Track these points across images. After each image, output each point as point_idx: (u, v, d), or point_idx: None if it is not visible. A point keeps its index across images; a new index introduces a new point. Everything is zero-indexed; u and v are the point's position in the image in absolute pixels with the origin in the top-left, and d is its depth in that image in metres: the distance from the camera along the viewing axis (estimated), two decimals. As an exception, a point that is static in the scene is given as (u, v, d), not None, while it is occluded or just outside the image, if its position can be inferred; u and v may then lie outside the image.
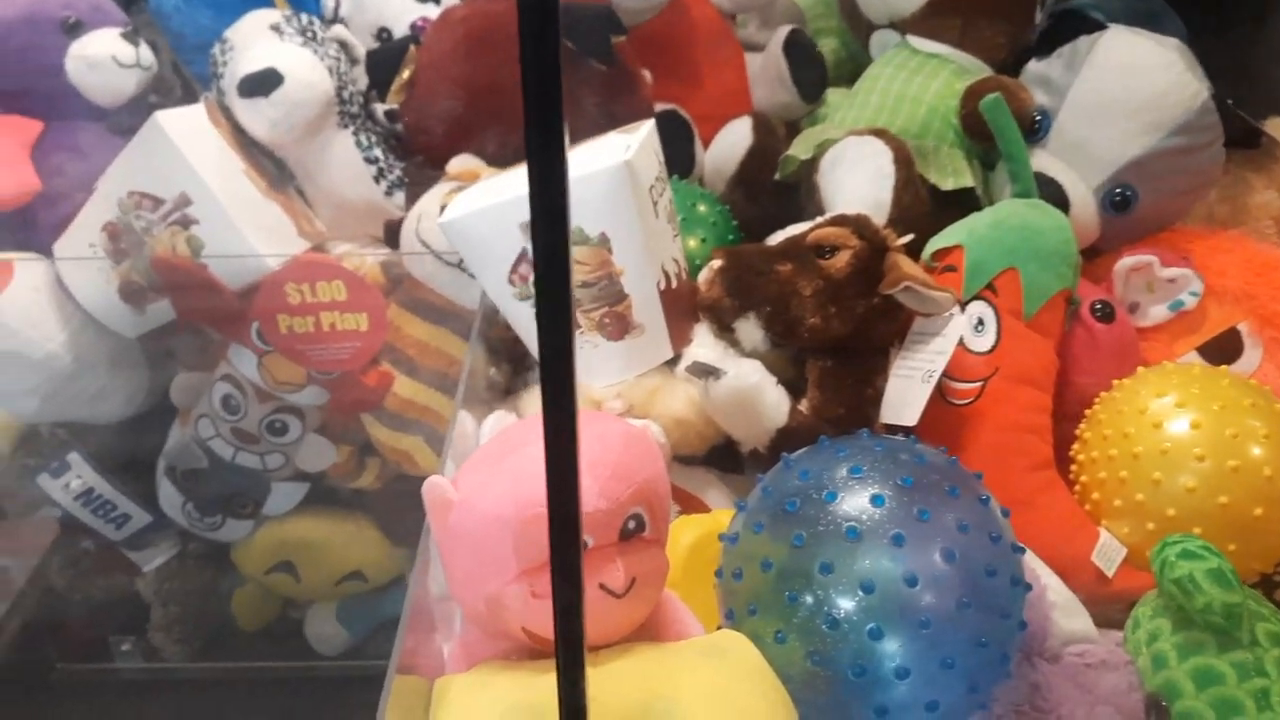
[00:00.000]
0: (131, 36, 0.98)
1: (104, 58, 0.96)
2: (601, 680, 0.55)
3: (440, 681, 0.60)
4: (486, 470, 0.58)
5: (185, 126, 0.90)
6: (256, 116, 0.92)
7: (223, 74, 0.94)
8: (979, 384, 0.81)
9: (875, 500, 0.57)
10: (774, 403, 0.79)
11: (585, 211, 0.77)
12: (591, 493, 0.56)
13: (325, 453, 1.01)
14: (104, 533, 1.03)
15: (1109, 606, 0.74)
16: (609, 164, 0.75)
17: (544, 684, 0.56)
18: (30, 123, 0.96)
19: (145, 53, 0.99)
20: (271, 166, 0.97)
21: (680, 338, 0.83)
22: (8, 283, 0.92)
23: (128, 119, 1.02)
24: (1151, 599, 0.68)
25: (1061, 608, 0.67)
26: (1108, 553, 0.76)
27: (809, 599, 0.57)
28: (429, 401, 0.97)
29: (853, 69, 1.17)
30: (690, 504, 0.82)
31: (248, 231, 0.89)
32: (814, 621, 0.56)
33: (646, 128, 0.83)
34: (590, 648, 0.58)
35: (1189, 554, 0.62)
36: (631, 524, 0.57)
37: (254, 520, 1.04)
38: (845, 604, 0.56)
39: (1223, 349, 0.90)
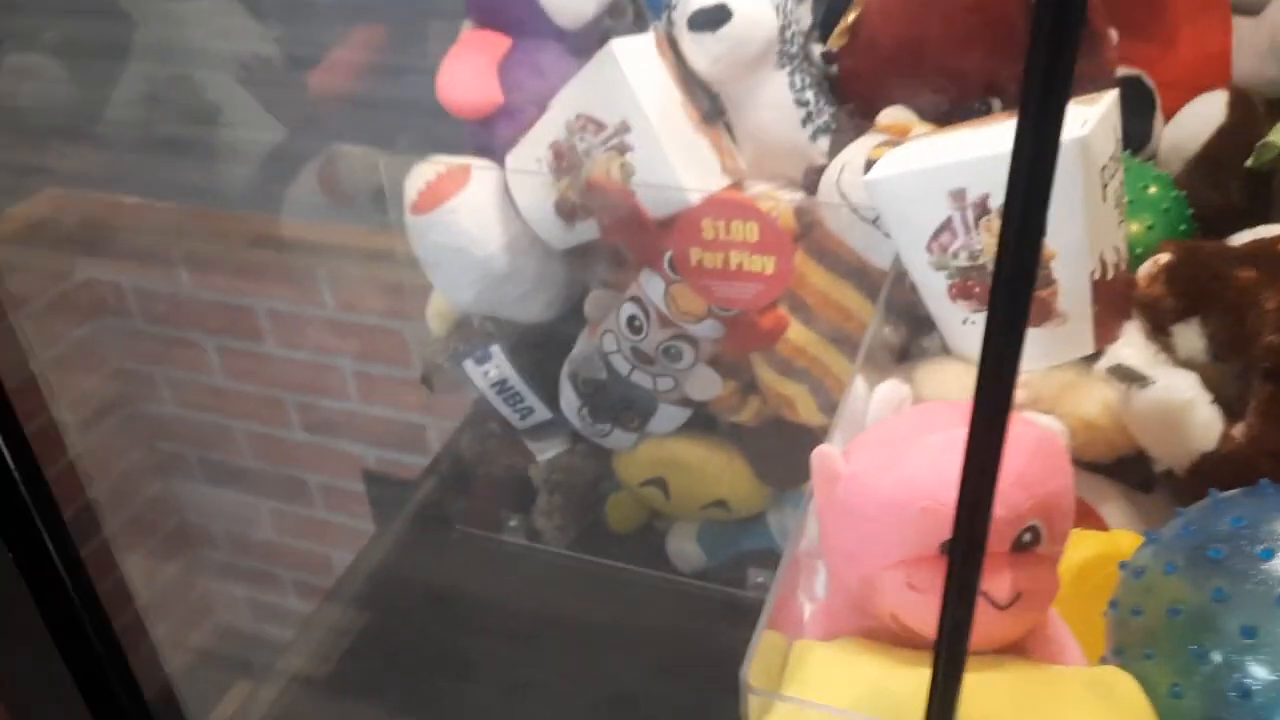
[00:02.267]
0: (595, -40, 1.03)
1: (568, -19, 1.01)
2: (971, 688, 0.53)
3: (800, 644, 0.60)
4: (883, 451, 0.57)
5: (635, 56, 0.93)
6: (701, 50, 0.94)
7: (675, 4, 0.97)
8: None
9: (1325, 569, 0.50)
10: (1204, 423, 0.71)
11: (1024, 186, 0.71)
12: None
13: (712, 384, 1.04)
14: (510, 419, 1.14)
15: None
16: (1061, 138, 0.69)
17: (908, 675, 0.55)
18: (501, 39, 1.05)
19: (607, -24, 1.03)
20: (706, 100, 1.00)
21: (1106, 334, 0.76)
22: (464, 185, 1.02)
23: (584, 41, 1.08)
24: None
25: None
26: None
27: (1219, 659, 0.51)
28: (819, 352, 0.97)
29: (1369, 44, 0.99)
30: (1084, 515, 0.76)
31: (676, 163, 0.92)
32: (1220, 685, 0.50)
33: (1108, 100, 0.75)
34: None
35: None
36: (1027, 536, 0.54)
37: (638, 434, 1.10)
38: (1264, 675, 0.50)
39: None
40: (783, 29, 0.96)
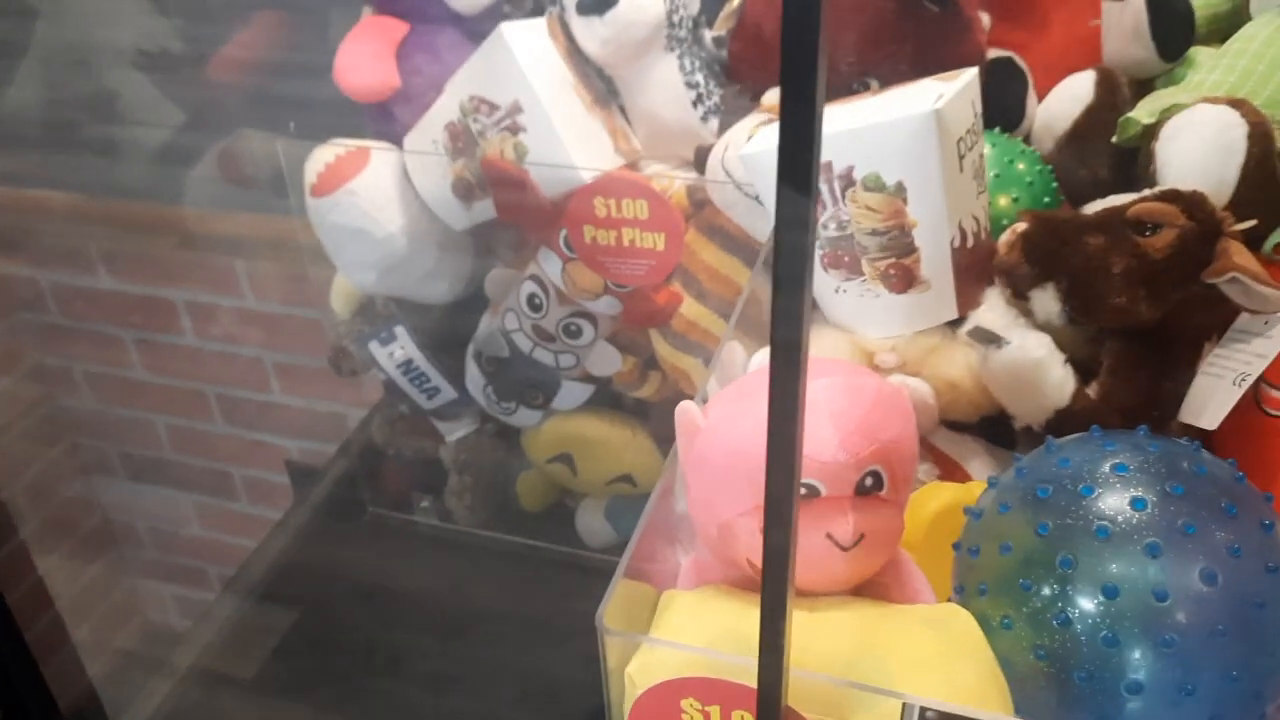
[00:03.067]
0: (492, -52, 1.05)
1: (465, -33, 1.03)
2: (815, 627, 0.56)
3: (667, 594, 0.63)
4: (736, 404, 0.60)
5: (526, 39, 0.96)
6: (590, 34, 0.97)
7: (566, -10, 0.99)
8: (1305, 396, 0.73)
9: (1136, 503, 0.54)
10: (1057, 382, 0.75)
11: (884, 158, 0.75)
12: (831, 443, 0.56)
13: (612, 359, 1.06)
14: (417, 401, 1.15)
15: None
16: (916, 111, 0.73)
17: (758, 617, 0.57)
18: (399, 24, 1.06)
19: (503, -37, 1.06)
20: (598, 83, 1.02)
21: (968, 299, 0.80)
22: (364, 167, 1.03)
23: (481, 26, 1.10)
24: None
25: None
26: None
27: (1045, 591, 0.55)
28: (711, 326, 1.00)
29: (1228, 27, 1.05)
30: (952, 471, 0.80)
31: (569, 143, 0.95)
32: (1046, 615, 0.54)
33: (966, 76, 0.79)
34: (810, 594, 0.60)
35: None
36: (869, 481, 0.57)
37: (543, 411, 1.12)
38: (1083, 604, 0.53)
39: None
40: (670, 13, 0.99)
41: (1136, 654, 0.52)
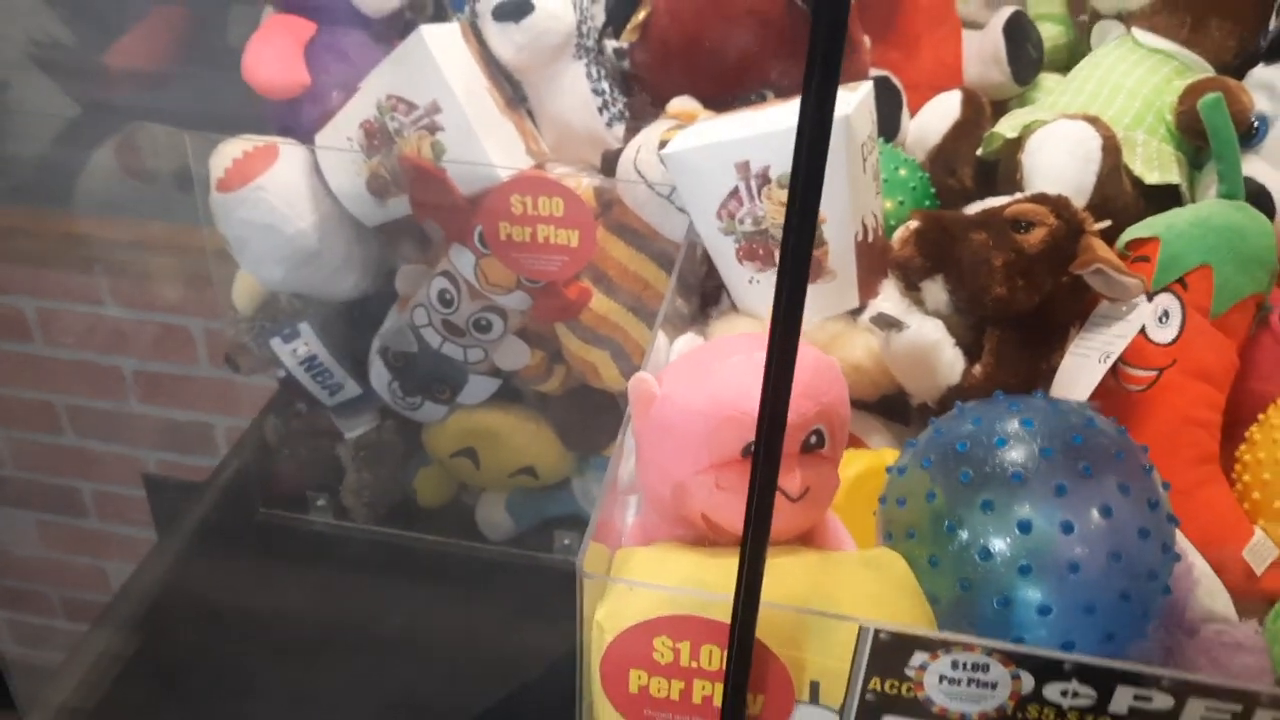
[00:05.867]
0: (402, -45, 1.08)
1: (376, -29, 1.06)
2: (769, 571, 0.62)
3: (622, 551, 0.68)
4: (692, 373, 0.65)
5: (443, 42, 0.99)
6: (505, 40, 1.01)
7: (479, -2, 1.03)
8: (1155, 373, 0.84)
9: (1044, 452, 0.62)
10: (949, 362, 0.84)
11: (799, 159, 0.82)
12: (781, 406, 0.62)
13: (521, 354, 1.10)
14: (318, 397, 1.16)
15: (1253, 603, 0.76)
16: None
17: (717, 565, 0.63)
18: (306, 23, 1.07)
19: (412, -30, 1.09)
20: (509, 88, 1.06)
21: (868, 290, 0.88)
22: (272, 163, 1.04)
23: (387, 30, 1.12)
24: (1299, 595, 0.70)
25: (1205, 587, 0.70)
26: (1260, 551, 0.78)
27: (966, 531, 0.62)
28: (620, 320, 1.05)
29: (1068, 57, 1.18)
30: (855, 444, 0.87)
31: (486, 143, 0.99)
32: (968, 552, 0.62)
33: (866, 88, 0.87)
34: (758, 544, 0.65)
35: None
36: (813, 439, 0.63)
37: (448, 406, 1.14)
38: (1000, 540, 0.61)
39: None
40: (580, 23, 1.04)
41: (1046, 579, 0.60)
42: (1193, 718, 0.54)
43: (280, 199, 1.03)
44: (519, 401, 1.17)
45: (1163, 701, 0.54)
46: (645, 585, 0.60)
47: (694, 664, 0.59)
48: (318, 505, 1.24)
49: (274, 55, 1.05)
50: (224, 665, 1.14)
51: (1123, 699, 0.54)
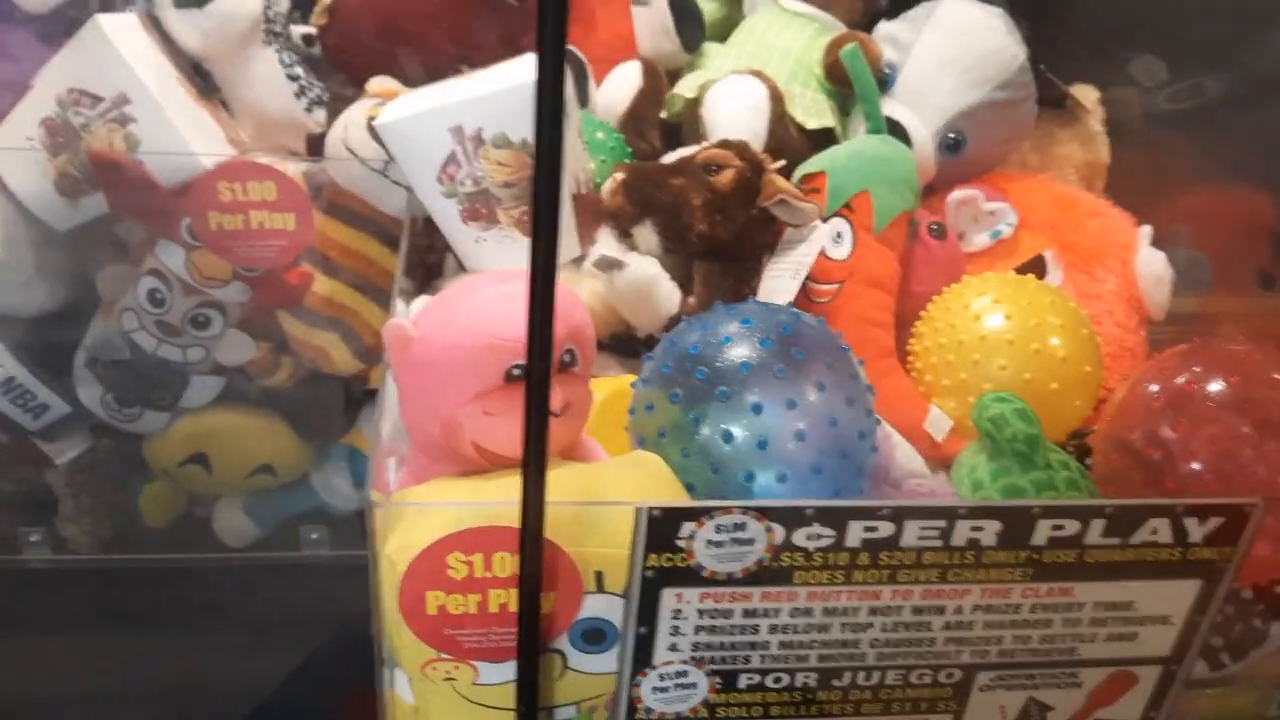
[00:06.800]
0: (60, -54, 1.03)
1: (35, -36, 1.00)
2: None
3: (400, 491, 0.70)
4: (444, 310, 0.69)
5: (123, 31, 0.96)
6: (189, 27, 0.99)
7: (155, -14, 1.00)
8: (836, 285, 0.96)
9: (763, 343, 0.71)
10: (668, 293, 0.92)
11: (509, 119, 0.88)
12: (534, 329, 0.67)
13: (245, 347, 1.08)
14: (21, 423, 1.07)
15: (938, 468, 0.91)
16: (533, 78, 0.87)
17: (494, 484, 0.67)
18: (-42, 22, 1.00)
19: (72, -38, 1.04)
20: (199, 79, 1.04)
21: (586, 239, 0.95)
22: (-63, 172, 0.96)
23: (51, 26, 1.06)
24: (972, 446, 0.84)
25: (903, 450, 0.83)
26: (938, 423, 0.92)
27: (708, 422, 0.70)
28: (347, 300, 1.06)
29: (725, 27, 1.32)
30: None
31: (185, 131, 0.96)
32: (714, 438, 0.70)
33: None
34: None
35: (1001, 399, 0.78)
36: (567, 358, 0.69)
37: (171, 412, 1.10)
38: (738, 424, 0.69)
39: (1032, 271, 1.08)
40: (265, 8, 1.04)
41: (781, 451, 0.69)
42: (910, 539, 0.65)
43: (-48, 210, 0.96)
44: (247, 398, 1.14)
45: (886, 529, 0.64)
46: (436, 504, 0.63)
47: (488, 574, 0.63)
48: (31, 541, 1.15)
49: (-75, 56, 0.97)
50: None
51: (855, 532, 0.64)
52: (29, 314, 1.06)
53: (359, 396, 1.17)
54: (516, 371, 0.67)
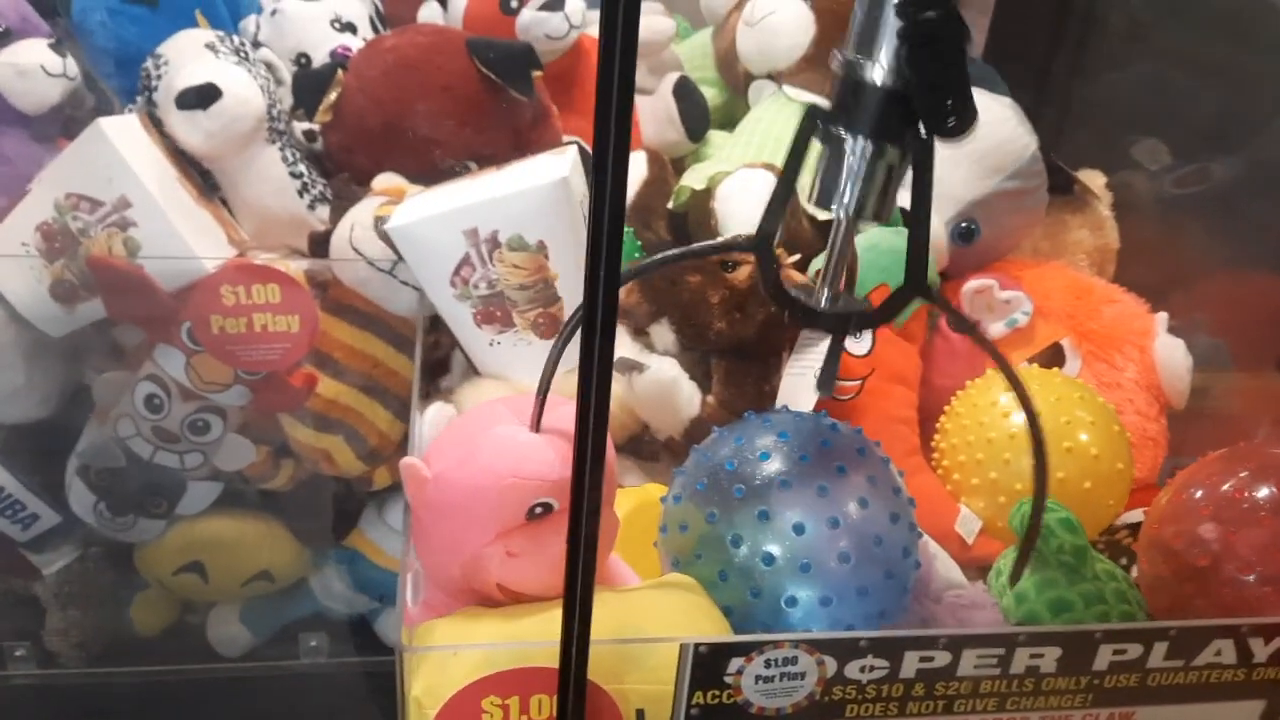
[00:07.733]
0: (58, 47, 1.01)
1: (33, 66, 0.98)
2: (578, 612, 0.63)
3: (422, 627, 0.66)
4: (460, 448, 0.66)
5: (125, 134, 0.93)
6: (193, 128, 0.97)
7: (156, 87, 0.98)
8: (858, 382, 0.94)
9: (802, 458, 0.68)
10: (688, 395, 0.90)
11: (525, 221, 0.86)
12: (557, 463, 0.65)
13: (244, 452, 1.04)
14: (9, 534, 1.03)
15: (969, 569, 0.88)
16: (549, 179, 0.85)
17: (527, 619, 0.64)
18: (-48, 125, 0.98)
19: (71, 63, 1.01)
20: (199, 178, 1.02)
21: (602, 339, 0.92)
22: (-73, 280, 0.93)
23: (47, 128, 1.04)
24: (1010, 553, 0.81)
25: (940, 560, 0.80)
26: (968, 524, 0.90)
27: (746, 541, 0.67)
28: (352, 402, 1.02)
29: (727, 114, 1.31)
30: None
31: (186, 235, 0.94)
32: (752, 561, 0.67)
33: (573, 151, 0.93)
34: (557, 596, 0.67)
35: (1045, 508, 0.75)
36: (597, 486, 0.66)
37: (166, 520, 1.06)
38: (779, 545, 0.66)
39: (1050, 360, 1.06)
40: (269, 107, 1.02)
41: (824, 573, 0.66)
42: (967, 668, 0.61)
43: (-59, 318, 0.92)
44: (244, 503, 1.10)
45: (943, 659, 0.61)
46: (472, 647, 0.60)
47: (524, 717, 0.59)
48: (16, 656, 1.09)
49: (-82, 161, 0.94)
50: None
51: (910, 663, 0.61)
52: (19, 421, 1.01)
53: (361, 497, 1.13)
54: (539, 510, 0.64)
